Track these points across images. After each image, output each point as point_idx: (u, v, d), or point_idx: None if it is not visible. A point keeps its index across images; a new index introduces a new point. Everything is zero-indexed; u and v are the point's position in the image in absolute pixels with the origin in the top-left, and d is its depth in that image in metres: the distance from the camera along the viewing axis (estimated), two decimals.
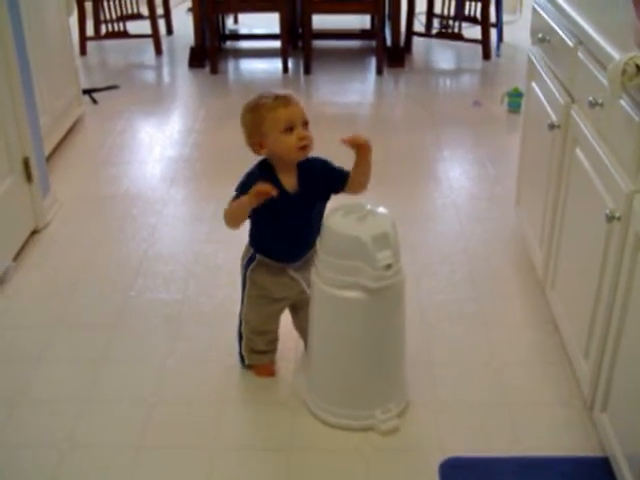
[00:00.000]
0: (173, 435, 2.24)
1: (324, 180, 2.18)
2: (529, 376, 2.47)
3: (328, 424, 2.25)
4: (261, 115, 2.13)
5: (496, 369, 2.49)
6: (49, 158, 3.82)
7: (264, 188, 2.06)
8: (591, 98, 2.14)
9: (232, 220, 2.20)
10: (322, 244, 2.12)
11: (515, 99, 4.54)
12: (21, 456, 2.17)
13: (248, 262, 2.31)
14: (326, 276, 2.11)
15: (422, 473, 2.10)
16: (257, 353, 2.45)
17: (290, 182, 2.19)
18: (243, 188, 2.15)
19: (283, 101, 2.12)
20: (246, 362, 2.47)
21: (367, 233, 2.02)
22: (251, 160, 2.23)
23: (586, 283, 2.17)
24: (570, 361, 2.42)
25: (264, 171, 2.19)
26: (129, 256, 3.14)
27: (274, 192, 2.06)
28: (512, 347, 2.60)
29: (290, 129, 2.12)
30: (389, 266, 2.04)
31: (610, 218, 1.93)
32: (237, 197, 2.16)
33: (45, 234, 3.31)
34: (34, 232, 3.29)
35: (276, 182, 2.15)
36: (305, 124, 2.14)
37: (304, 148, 2.14)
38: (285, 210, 2.16)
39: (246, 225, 2.27)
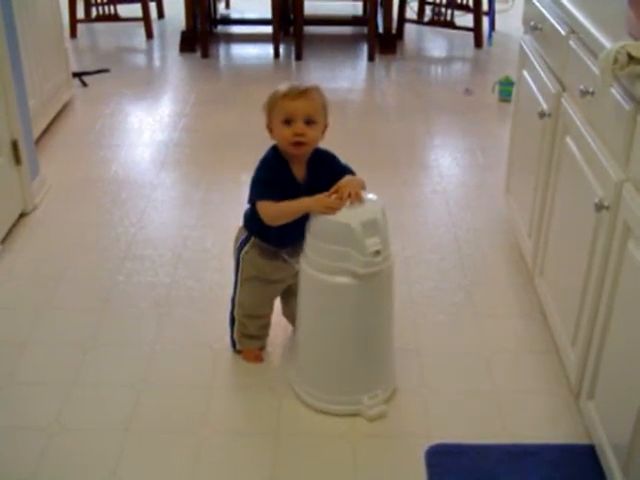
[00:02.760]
0: (160, 419, 2.24)
1: (330, 175, 2.17)
2: (517, 364, 2.48)
3: (315, 409, 2.26)
4: (273, 101, 2.16)
5: (484, 357, 2.50)
6: (38, 141, 3.81)
7: (334, 205, 2.06)
8: (582, 87, 2.14)
9: (278, 219, 2.17)
10: (311, 230, 2.11)
11: (506, 88, 4.55)
12: (7, 439, 2.16)
13: (242, 244, 2.30)
14: (315, 261, 2.11)
15: (408, 459, 2.11)
16: (249, 338, 2.45)
17: (300, 171, 2.20)
18: (268, 182, 2.16)
19: (295, 93, 2.13)
20: (237, 347, 2.46)
21: (356, 219, 2.02)
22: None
23: (574, 272, 2.18)
24: (558, 349, 2.43)
25: (277, 159, 2.19)
26: (117, 240, 3.13)
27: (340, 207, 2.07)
28: (500, 335, 2.61)
29: (288, 122, 2.12)
30: (378, 252, 2.04)
31: (599, 207, 1.93)
32: (265, 190, 2.15)
33: (33, 217, 3.29)
34: (22, 215, 3.27)
35: (287, 171, 2.18)
36: (309, 121, 2.13)
37: (296, 145, 2.14)
38: (291, 198, 2.14)
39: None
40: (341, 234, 2.04)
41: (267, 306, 2.43)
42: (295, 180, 2.19)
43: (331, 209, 2.06)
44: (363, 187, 2.13)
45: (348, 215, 2.04)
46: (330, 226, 2.06)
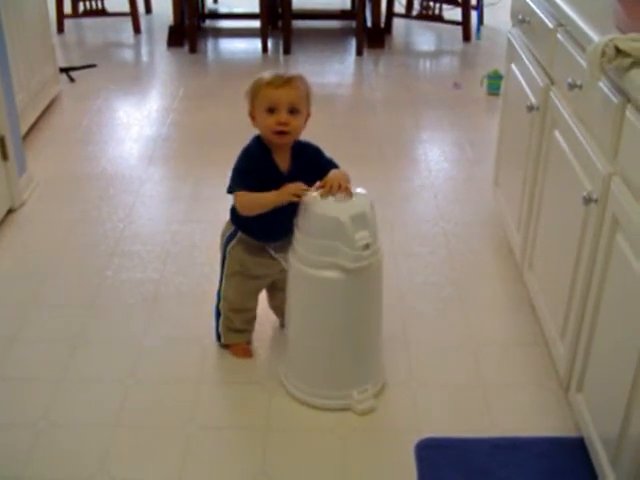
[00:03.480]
0: (149, 415, 2.23)
1: (313, 168, 2.17)
2: (506, 357, 2.48)
3: (305, 404, 2.26)
4: (256, 89, 2.15)
5: (473, 350, 2.50)
6: (25, 137, 3.79)
7: (298, 190, 2.07)
8: (570, 80, 2.14)
9: (251, 210, 2.17)
10: (300, 224, 2.11)
11: (494, 81, 4.55)
12: None
13: (228, 239, 2.30)
14: (304, 256, 2.11)
15: (398, 453, 2.11)
16: (234, 332, 2.44)
17: (283, 162, 2.19)
18: (248, 171, 2.15)
19: (279, 81, 2.12)
20: (222, 340, 2.46)
21: (345, 213, 2.02)
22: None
23: (563, 265, 2.18)
24: (547, 342, 2.43)
25: (261, 148, 2.18)
26: (106, 236, 3.12)
27: (305, 191, 2.08)
28: (489, 328, 2.61)
29: (271, 110, 2.11)
30: (367, 246, 2.04)
31: (587, 200, 1.94)
32: (243, 180, 2.14)
33: (21, 213, 3.28)
34: (10, 211, 3.26)
35: (271, 161, 2.17)
36: (292, 110, 2.12)
37: (279, 134, 2.13)
38: (275, 189, 2.13)
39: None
40: (330, 228, 2.03)
41: (252, 300, 2.42)
42: (278, 170, 2.18)
43: (296, 195, 2.07)
44: (349, 181, 2.13)
45: (337, 209, 2.04)
46: (319, 220, 2.06)
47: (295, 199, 2.08)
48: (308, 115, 2.20)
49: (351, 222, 2.01)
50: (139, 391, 2.32)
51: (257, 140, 2.20)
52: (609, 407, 1.85)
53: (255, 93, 2.14)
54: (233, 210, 2.29)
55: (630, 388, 1.71)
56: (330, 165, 2.20)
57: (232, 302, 2.39)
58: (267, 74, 2.15)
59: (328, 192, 2.06)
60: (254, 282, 2.37)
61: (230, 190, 2.18)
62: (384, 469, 2.07)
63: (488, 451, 2.10)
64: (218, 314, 2.43)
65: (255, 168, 2.16)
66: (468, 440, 2.14)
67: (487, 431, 2.18)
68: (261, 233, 2.25)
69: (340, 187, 2.06)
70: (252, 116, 2.18)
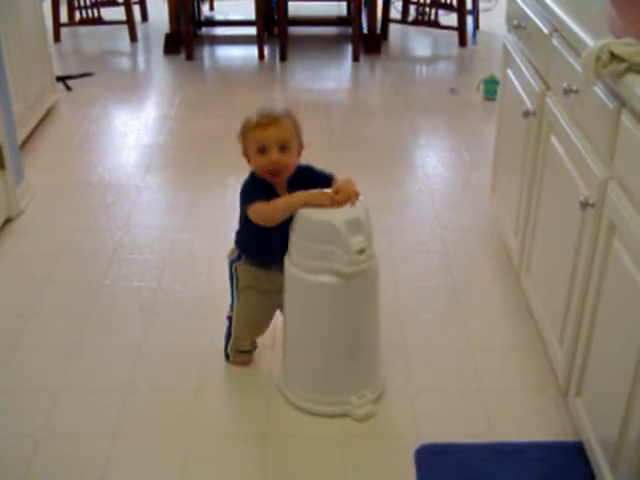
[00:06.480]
0: (148, 423, 2.23)
1: (310, 186, 2.18)
2: (504, 362, 2.48)
3: (304, 411, 2.26)
4: (245, 131, 2.17)
5: (471, 355, 2.50)
6: (22, 145, 3.79)
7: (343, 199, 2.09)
8: (566, 85, 2.14)
9: (277, 215, 2.13)
10: (295, 229, 2.11)
11: (491, 86, 4.55)
12: None
13: (234, 260, 2.31)
14: (299, 261, 2.11)
15: (398, 459, 2.11)
16: (242, 352, 2.45)
17: (282, 190, 2.20)
18: (259, 195, 2.15)
19: (265, 121, 2.12)
20: (230, 359, 2.46)
21: (340, 218, 2.03)
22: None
23: (561, 270, 2.18)
24: (545, 347, 2.43)
25: (259, 180, 2.18)
26: (104, 244, 3.12)
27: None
28: (487, 333, 2.61)
29: (262, 150, 2.13)
30: (362, 251, 2.04)
31: (584, 205, 1.94)
32: (255, 195, 2.14)
33: (19, 222, 3.28)
34: (7, 220, 3.25)
35: (272, 189, 2.18)
36: (283, 148, 2.12)
37: (273, 173, 2.15)
38: None
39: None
40: (325, 233, 2.04)
41: (266, 320, 2.41)
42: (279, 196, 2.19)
43: (337, 203, 2.07)
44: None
45: (332, 214, 2.05)
46: (314, 225, 2.06)
47: (334, 205, 2.08)
48: (301, 148, 2.21)
49: (346, 227, 2.02)
50: (138, 400, 2.32)
51: (255, 174, 2.20)
52: (608, 411, 1.85)
53: (244, 135, 2.17)
54: (239, 233, 2.30)
55: (629, 392, 1.72)
56: (323, 175, 2.22)
57: (249, 319, 2.37)
58: (254, 116, 2.15)
59: (346, 201, 2.08)
60: (267, 297, 2.34)
61: (244, 211, 2.18)
62: (384, 475, 2.07)
63: (487, 456, 2.10)
64: (228, 336, 2.43)
65: (261, 192, 2.16)
66: (467, 445, 2.15)
67: (486, 436, 2.18)
68: (264, 256, 2.26)
69: (351, 197, 2.08)
70: (247, 157, 2.20)
